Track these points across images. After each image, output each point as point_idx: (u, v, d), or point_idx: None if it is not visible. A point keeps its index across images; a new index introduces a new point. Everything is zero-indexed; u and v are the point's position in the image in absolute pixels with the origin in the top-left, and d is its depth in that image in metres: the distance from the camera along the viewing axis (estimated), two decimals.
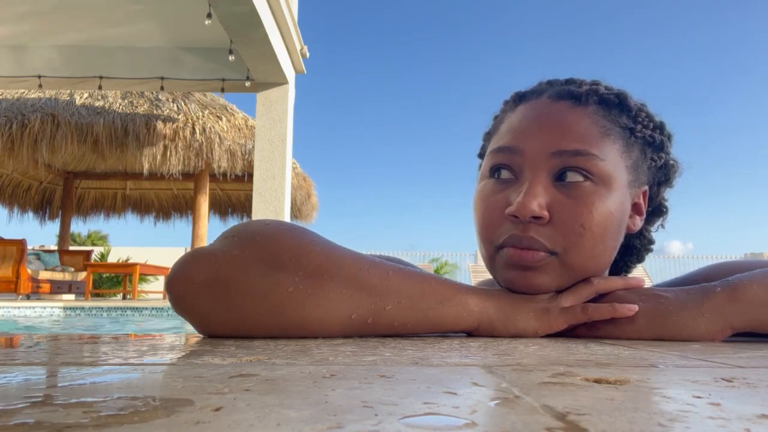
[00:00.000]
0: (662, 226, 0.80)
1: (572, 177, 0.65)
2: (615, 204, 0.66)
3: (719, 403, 0.27)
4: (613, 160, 0.67)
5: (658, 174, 0.75)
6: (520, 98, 0.75)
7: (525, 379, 0.33)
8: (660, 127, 0.74)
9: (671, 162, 0.75)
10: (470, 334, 0.64)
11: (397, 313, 0.59)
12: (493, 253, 0.68)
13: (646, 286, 0.68)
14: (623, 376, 0.34)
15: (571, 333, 0.66)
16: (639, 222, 0.73)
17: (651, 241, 0.80)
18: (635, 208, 0.73)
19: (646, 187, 0.74)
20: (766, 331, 0.62)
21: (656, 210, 0.79)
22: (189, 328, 0.63)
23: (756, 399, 0.28)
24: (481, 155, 0.80)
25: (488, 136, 0.78)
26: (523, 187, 0.65)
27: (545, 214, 0.63)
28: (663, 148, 0.74)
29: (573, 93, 0.69)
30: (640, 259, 0.81)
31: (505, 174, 0.69)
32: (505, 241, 0.65)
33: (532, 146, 0.66)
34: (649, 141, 0.72)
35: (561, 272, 0.65)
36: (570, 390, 0.30)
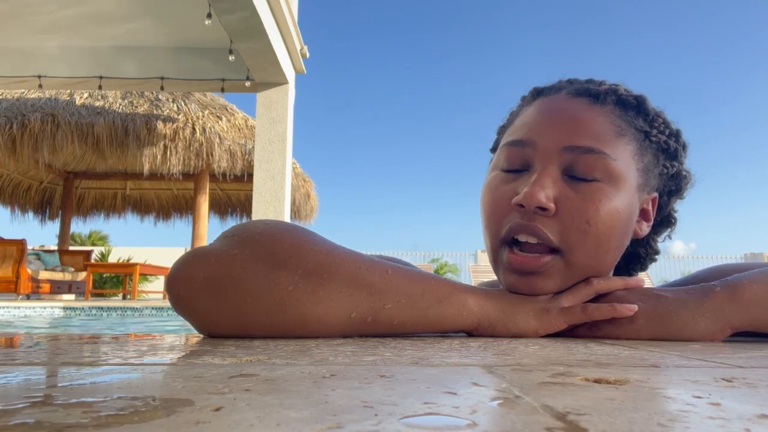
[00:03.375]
0: (669, 237, 0.79)
1: (582, 172, 0.65)
2: (622, 204, 0.66)
3: (719, 403, 0.27)
4: (625, 161, 0.66)
5: (669, 183, 0.74)
6: (537, 93, 0.74)
7: (525, 379, 0.33)
8: (676, 135, 0.73)
9: (684, 172, 0.74)
10: (470, 333, 0.64)
11: (396, 312, 0.59)
12: (497, 246, 0.68)
13: (646, 286, 0.68)
14: (623, 376, 0.34)
15: (571, 333, 0.66)
16: (645, 228, 0.73)
17: (656, 251, 0.79)
18: (643, 214, 0.72)
19: (656, 194, 0.73)
20: (766, 330, 0.62)
21: (665, 220, 0.78)
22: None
23: (756, 399, 0.28)
24: (494, 149, 0.79)
25: (502, 130, 0.78)
26: (531, 178, 0.65)
27: (551, 206, 0.63)
28: (676, 157, 0.73)
29: (591, 91, 0.69)
30: (644, 268, 0.80)
31: (515, 166, 0.68)
32: (509, 229, 0.65)
33: (544, 139, 0.66)
34: (664, 147, 0.71)
35: (564, 273, 0.65)
36: (570, 390, 0.30)
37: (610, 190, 0.65)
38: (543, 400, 0.27)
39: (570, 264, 0.65)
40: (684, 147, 0.74)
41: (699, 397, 0.28)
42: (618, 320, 0.63)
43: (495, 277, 0.76)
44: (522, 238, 0.65)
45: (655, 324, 0.63)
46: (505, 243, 0.66)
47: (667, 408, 0.26)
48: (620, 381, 0.33)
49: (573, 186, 0.65)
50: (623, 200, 0.66)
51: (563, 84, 0.73)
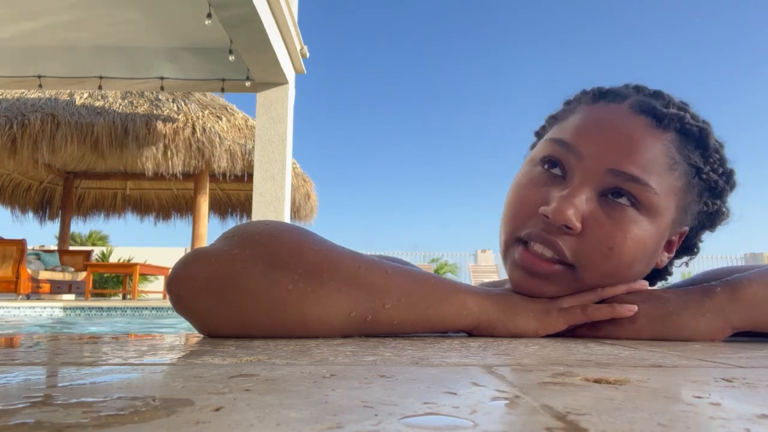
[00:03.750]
0: (686, 264, 0.75)
1: (619, 198, 0.62)
2: (651, 237, 0.63)
3: (719, 403, 0.27)
4: (667, 196, 0.63)
5: (705, 219, 0.71)
6: (601, 95, 0.69)
7: (525, 379, 0.33)
8: (728, 175, 0.69)
9: (723, 210, 0.71)
10: (470, 333, 0.64)
11: (396, 312, 0.59)
12: (511, 242, 0.67)
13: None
14: (623, 376, 0.34)
15: (571, 333, 0.66)
16: (665, 259, 0.70)
17: (669, 273, 0.76)
18: (667, 245, 0.69)
19: (687, 228, 0.70)
20: (767, 330, 0.63)
21: (688, 249, 0.74)
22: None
23: (756, 399, 0.28)
24: (539, 134, 0.76)
25: (553, 120, 0.74)
26: (566, 190, 0.62)
27: (577, 225, 0.61)
28: (721, 196, 0.69)
29: (657, 111, 0.64)
30: (652, 285, 0.77)
31: (555, 168, 0.66)
32: (527, 234, 0.64)
33: (592, 154, 0.63)
34: (712, 186, 0.68)
35: (571, 284, 0.64)
36: (570, 390, 0.30)
37: (643, 221, 0.62)
38: (543, 400, 0.27)
39: (579, 279, 0.64)
40: (732, 187, 0.70)
41: (699, 397, 0.28)
42: (619, 320, 0.63)
43: (496, 278, 0.75)
44: (538, 248, 0.63)
45: (655, 324, 0.63)
46: (520, 241, 0.65)
47: (667, 408, 0.26)
48: (620, 381, 0.33)
49: (606, 209, 0.62)
50: (653, 233, 0.63)
51: (629, 92, 0.68)
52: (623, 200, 0.62)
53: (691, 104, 0.69)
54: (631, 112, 0.65)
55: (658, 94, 0.68)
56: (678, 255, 0.74)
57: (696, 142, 0.66)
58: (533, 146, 0.75)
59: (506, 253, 0.68)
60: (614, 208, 0.62)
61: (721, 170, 0.68)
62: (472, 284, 0.68)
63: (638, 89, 0.69)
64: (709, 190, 0.68)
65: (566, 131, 0.66)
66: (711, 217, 0.71)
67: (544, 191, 0.64)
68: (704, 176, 0.66)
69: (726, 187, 0.69)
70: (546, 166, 0.66)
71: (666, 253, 0.70)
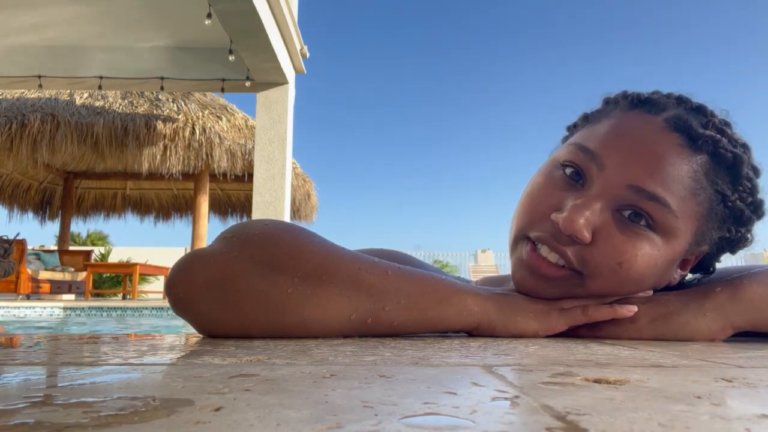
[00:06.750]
0: (698, 281, 0.72)
1: (635, 216, 0.61)
2: (663, 258, 0.62)
3: (719, 403, 0.27)
4: (687, 220, 0.61)
5: (726, 245, 0.68)
6: (639, 103, 0.66)
7: (525, 379, 0.33)
8: (756, 205, 0.66)
9: (747, 237, 0.68)
10: (470, 333, 0.64)
11: (396, 313, 0.59)
12: (519, 238, 0.66)
13: None
14: (623, 376, 0.34)
15: (572, 333, 0.66)
16: (678, 276, 0.69)
17: (681, 285, 0.72)
18: (683, 264, 0.68)
19: (705, 249, 0.67)
20: (767, 329, 0.63)
21: (704, 269, 0.72)
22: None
23: (756, 399, 0.28)
24: (569, 129, 0.74)
25: (585, 119, 0.72)
26: (580, 199, 0.61)
27: (587, 237, 0.60)
28: (746, 225, 0.66)
29: (692, 131, 0.62)
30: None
31: (575, 175, 0.65)
32: (537, 237, 0.63)
33: (615, 166, 0.61)
34: (737, 215, 0.65)
35: (574, 290, 0.64)
36: (570, 390, 0.30)
37: (658, 241, 0.61)
38: (543, 400, 0.27)
39: (584, 287, 0.63)
40: (760, 217, 0.67)
41: (699, 397, 0.28)
42: (620, 320, 0.63)
43: (497, 272, 0.75)
44: (544, 250, 0.63)
45: (656, 324, 0.63)
46: (528, 239, 0.65)
47: (667, 408, 0.26)
48: (620, 381, 0.33)
49: (619, 224, 0.61)
50: (666, 254, 0.62)
51: (669, 103, 0.65)
52: (641, 222, 0.61)
53: (734, 124, 0.66)
54: (664, 128, 0.62)
55: (699, 110, 0.65)
56: (693, 271, 0.72)
57: (727, 168, 0.63)
58: (564, 139, 0.73)
59: (514, 248, 0.68)
60: (628, 225, 0.61)
61: (750, 199, 0.65)
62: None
63: (680, 101, 0.66)
64: (733, 218, 0.65)
65: (593, 138, 0.65)
66: (732, 243, 0.68)
67: (560, 196, 0.64)
68: (730, 204, 0.64)
69: (752, 217, 0.66)
70: (566, 171, 0.65)
71: (680, 271, 0.68)
